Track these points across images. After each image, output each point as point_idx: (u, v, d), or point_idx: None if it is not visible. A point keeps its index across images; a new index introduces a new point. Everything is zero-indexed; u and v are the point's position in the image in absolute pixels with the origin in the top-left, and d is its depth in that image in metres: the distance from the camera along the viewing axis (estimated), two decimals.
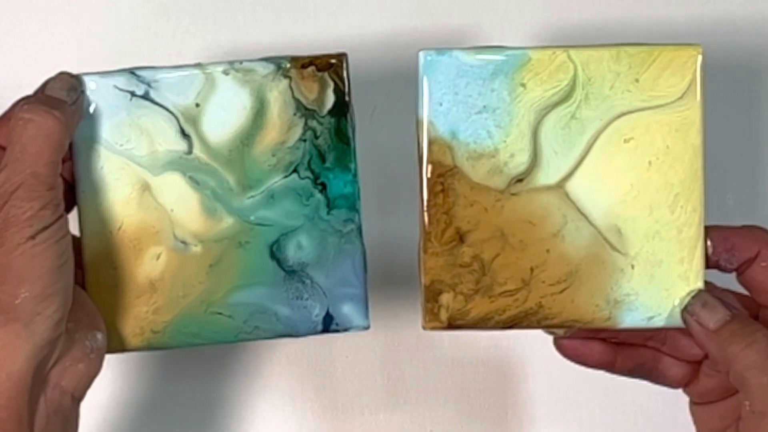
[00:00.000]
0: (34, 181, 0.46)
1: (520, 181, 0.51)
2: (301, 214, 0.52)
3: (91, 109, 0.51)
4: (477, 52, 0.51)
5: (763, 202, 0.68)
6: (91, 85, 0.51)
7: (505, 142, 0.51)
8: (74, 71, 0.51)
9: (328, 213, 0.52)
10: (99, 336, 0.50)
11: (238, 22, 0.68)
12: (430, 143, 0.51)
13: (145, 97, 0.51)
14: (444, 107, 0.51)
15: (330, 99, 0.52)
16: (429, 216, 0.51)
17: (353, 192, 0.52)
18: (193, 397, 0.69)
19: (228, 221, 0.52)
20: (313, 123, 0.52)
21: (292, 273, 0.52)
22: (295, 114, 0.52)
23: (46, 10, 0.67)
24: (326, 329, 0.53)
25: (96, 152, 0.51)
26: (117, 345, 0.52)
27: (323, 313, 0.53)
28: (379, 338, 0.68)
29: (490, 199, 0.51)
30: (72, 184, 0.52)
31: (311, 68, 0.52)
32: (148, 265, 0.52)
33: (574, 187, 0.51)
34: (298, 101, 0.52)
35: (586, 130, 0.51)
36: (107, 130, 0.51)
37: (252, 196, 0.52)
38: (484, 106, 0.51)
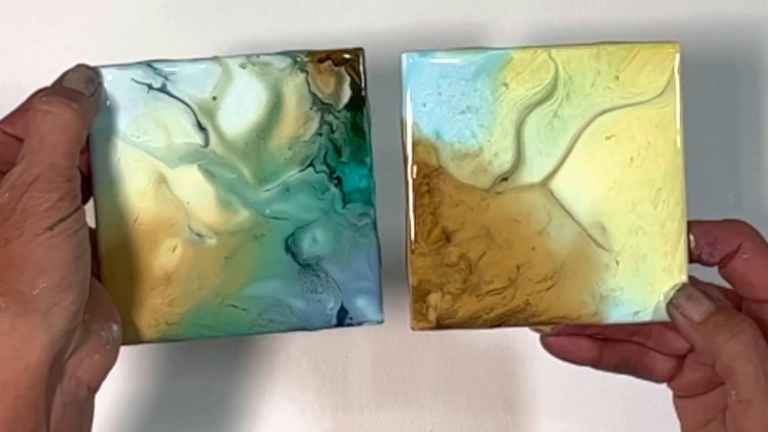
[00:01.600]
0: (52, 172, 0.47)
1: (504, 179, 0.52)
2: (316, 208, 0.53)
3: (108, 102, 0.52)
4: (459, 53, 0.52)
5: (747, 197, 0.69)
6: (108, 77, 0.51)
7: (489, 141, 0.52)
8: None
9: (343, 207, 0.53)
10: (115, 327, 0.51)
11: (249, 18, 0.69)
12: (414, 144, 0.52)
13: (162, 89, 0.52)
14: (428, 108, 0.52)
15: (346, 93, 0.52)
16: (415, 216, 0.52)
17: (368, 186, 0.53)
18: (194, 395, 0.70)
19: (243, 214, 0.53)
20: (330, 117, 0.52)
21: (307, 266, 0.53)
22: (311, 108, 0.52)
23: (53, 7, 0.68)
24: (340, 323, 0.53)
25: (113, 144, 0.52)
26: (132, 337, 0.53)
27: (338, 307, 0.53)
28: (379, 337, 0.69)
29: (475, 198, 0.52)
30: (89, 176, 0.53)
31: (328, 62, 0.52)
32: (164, 257, 0.53)
33: (558, 184, 0.52)
34: (314, 95, 0.52)
35: (569, 128, 0.52)
36: (124, 123, 0.52)
37: (268, 189, 0.53)
38: (468, 106, 0.52)
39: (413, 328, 0.53)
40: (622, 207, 0.52)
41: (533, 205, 0.52)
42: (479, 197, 0.52)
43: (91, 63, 0.52)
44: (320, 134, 0.53)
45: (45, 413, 0.47)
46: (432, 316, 0.53)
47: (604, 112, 0.52)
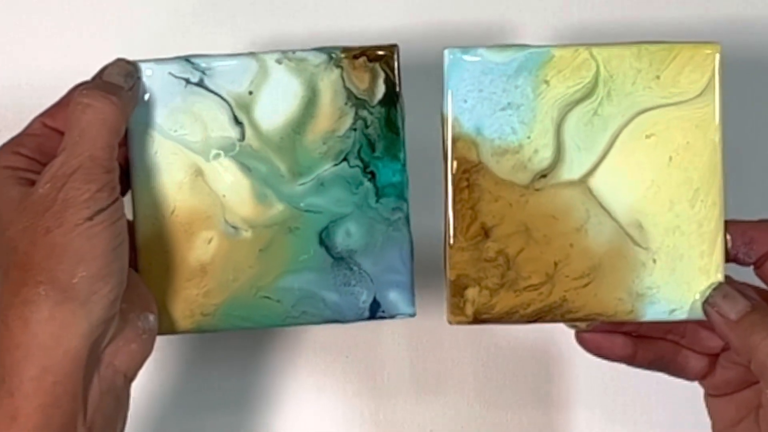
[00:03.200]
0: (91, 164, 0.48)
1: (543, 176, 0.53)
2: (350, 202, 0.54)
3: (146, 96, 0.53)
4: (501, 50, 0.52)
5: None
6: (147, 71, 0.53)
7: (529, 138, 0.53)
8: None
9: (376, 201, 0.54)
10: (151, 318, 0.52)
11: (281, 15, 0.70)
12: (455, 140, 0.53)
13: (200, 84, 0.53)
14: (469, 104, 0.53)
15: (381, 89, 0.54)
16: (454, 211, 0.53)
17: (402, 181, 0.54)
18: (222, 384, 0.70)
19: (278, 207, 0.54)
20: (364, 112, 0.54)
21: (340, 259, 0.54)
22: (346, 103, 0.54)
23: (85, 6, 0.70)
24: (373, 316, 0.54)
25: (150, 137, 0.53)
26: (168, 327, 0.54)
27: (370, 300, 0.54)
28: (411, 327, 0.71)
29: (514, 194, 0.53)
30: (127, 168, 0.54)
31: (363, 59, 0.53)
32: (200, 249, 0.54)
33: (596, 182, 0.53)
34: (349, 91, 0.54)
35: (609, 126, 0.53)
36: (162, 116, 0.53)
37: (302, 183, 0.54)
38: (509, 103, 0.52)
39: (450, 322, 0.54)
40: (660, 206, 0.53)
41: (572, 203, 0.53)
42: (518, 193, 0.53)
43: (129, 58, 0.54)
44: (354, 129, 0.54)
45: (83, 400, 0.48)
46: (469, 310, 0.54)
47: (644, 111, 0.52)
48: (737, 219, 0.54)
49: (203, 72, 0.53)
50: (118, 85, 0.51)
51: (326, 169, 0.54)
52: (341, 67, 0.53)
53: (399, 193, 0.54)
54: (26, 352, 0.47)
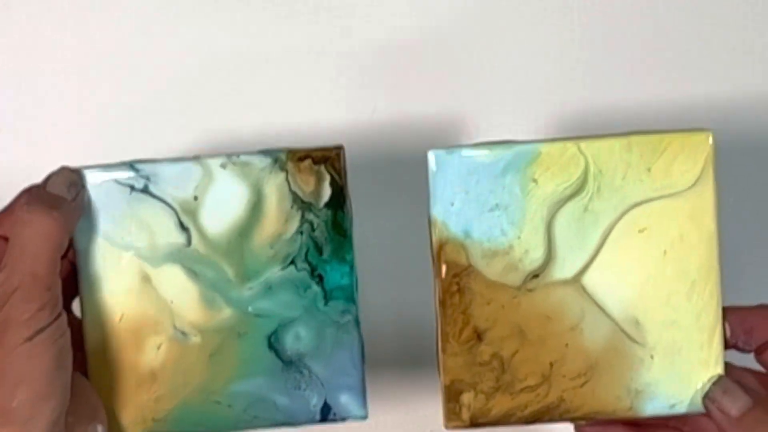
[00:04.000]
0: (32, 281, 0.47)
1: (536, 276, 0.52)
2: (299, 305, 0.54)
3: (92, 202, 0.53)
4: (487, 148, 0.52)
5: None
6: (91, 179, 0.53)
7: (519, 238, 0.52)
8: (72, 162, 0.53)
9: (325, 304, 0.54)
10: (99, 429, 0.51)
11: (223, 112, 0.69)
12: (443, 243, 0.52)
13: (145, 190, 0.53)
14: (456, 207, 0.52)
15: (327, 192, 0.53)
16: (445, 316, 0.52)
17: (350, 284, 0.53)
18: None
19: (227, 312, 0.54)
20: (310, 216, 0.53)
21: (290, 363, 0.54)
22: (292, 207, 0.53)
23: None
24: (324, 419, 0.54)
25: (97, 244, 0.53)
26: None
27: (321, 403, 0.54)
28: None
29: (506, 296, 0.52)
30: (73, 273, 0.54)
31: (308, 161, 0.53)
32: (149, 355, 0.54)
33: (590, 280, 0.52)
34: (294, 194, 0.53)
35: (600, 222, 0.52)
36: (108, 223, 0.53)
37: (250, 287, 0.53)
38: (497, 204, 0.52)
39: (446, 428, 0.53)
40: (656, 301, 0.52)
41: (565, 302, 0.52)
42: (510, 295, 0.52)
43: (72, 158, 0.53)
44: (301, 233, 0.53)
45: None
46: (465, 415, 0.53)
47: (636, 205, 0.52)
48: (735, 306, 0.54)
49: (147, 178, 0.53)
50: (62, 198, 0.50)
51: (274, 272, 0.53)
52: (286, 171, 0.53)
53: (348, 296, 0.53)
54: None
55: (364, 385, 0.54)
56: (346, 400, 0.54)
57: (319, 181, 0.53)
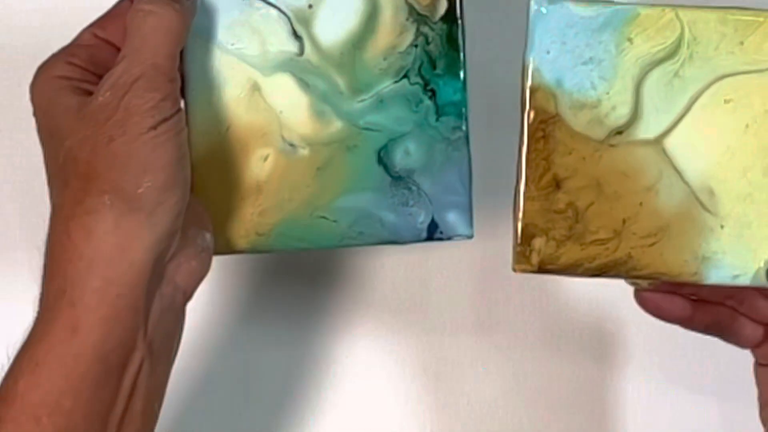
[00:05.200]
0: (155, 72, 0.47)
1: (619, 133, 0.53)
2: (410, 120, 0.53)
3: (204, 6, 0.52)
4: (588, 4, 0.52)
5: None
6: None
7: (608, 94, 0.52)
8: None
9: (437, 120, 0.53)
10: (208, 236, 0.51)
11: None
12: (534, 90, 0.52)
13: None
14: (551, 55, 0.52)
15: (443, 5, 0.52)
16: (528, 161, 0.53)
17: (462, 99, 0.53)
18: (286, 307, 0.70)
19: (337, 125, 0.53)
20: (425, 29, 0.53)
21: (399, 179, 0.54)
22: (407, 19, 0.53)
23: None
24: (430, 237, 0.54)
25: (207, 50, 0.52)
26: (223, 246, 0.53)
27: (428, 221, 0.54)
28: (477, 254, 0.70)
29: (588, 148, 0.53)
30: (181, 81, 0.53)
31: None
32: (255, 167, 0.53)
33: (672, 143, 0.53)
34: (410, 6, 0.52)
35: (688, 88, 0.52)
36: (219, 29, 0.52)
37: (362, 100, 0.53)
38: (591, 58, 0.52)
39: (515, 270, 0.54)
40: (733, 173, 0.53)
41: (645, 162, 0.53)
42: (592, 148, 0.53)
43: None
44: (416, 46, 0.53)
45: (144, 315, 0.47)
46: (535, 259, 0.54)
47: (725, 76, 0.52)
48: None
49: None
50: None
51: (386, 86, 0.53)
52: None
53: (459, 112, 0.53)
54: (90, 263, 0.46)
55: (471, 204, 0.54)
56: (453, 219, 0.54)
57: None
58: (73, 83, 0.49)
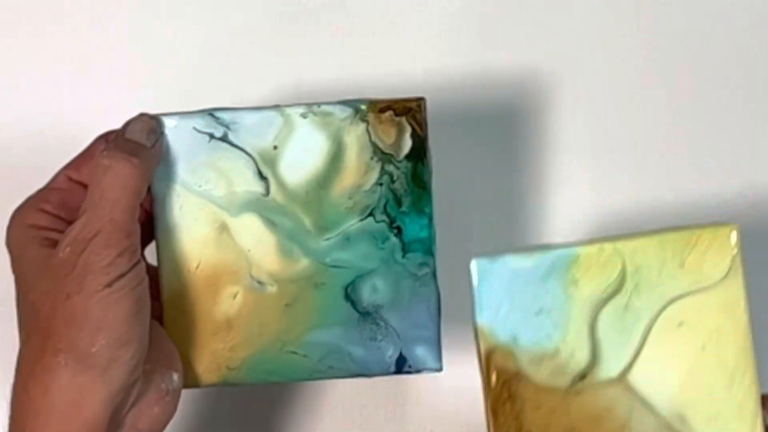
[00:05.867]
0: (112, 228, 0.48)
1: (582, 378, 0.51)
2: (376, 257, 0.53)
3: (170, 150, 0.53)
4: (528, 255, 0.51)
5: None
6: (170, 125, 0.53)
7: (564, 341, 0.51)
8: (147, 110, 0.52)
9: (403, 256, 0.54)
10: (175, 377, 0.52)
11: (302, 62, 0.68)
12: (491, 351, 0.51)
13: (224, 139, 0.53)
14: (502, 313, 0.51)
15: (407, 144, 0.53)
16: (498, 425, 0.52)
17: (429, 236, 0.53)
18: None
19: (304, 262, 0.54)
20: (390, 167, 0.53)
21: (367, 315, 0.54)
22: (372, 158, 0.53)
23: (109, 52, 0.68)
24: (399, 370, 0.54)
25: (175, 192, 0.53)
26: (192, 380, 0.54)
27: (396, 355, 0.54)
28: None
29: (556, 399, 0.51)
30: (149, 221, 0.54)
31: (389, 113, 0.53)
32: (225, 304, 0.54)
33: (635, 378, 0.52)
34: (375, 145, 0.53)
35: (641, 319, 0.52)
36: (186, 171, 0.53)
37: (328, 238, 0.53)
38: (541, 308, 0.51)
39: None
40: (700, 394, 0.52)
41: (613, 401, 0.52)
42: (560, 398, 0.52)
43: (147, 109, 0.53)
44: (381, 184, 0.53)
45: None
46: None
47: (673, 300, 0.52)
48: None
49: (227, 127, 0.53)
50: (141, 144, 0.50)
51: (352, 224, 0.53)
52: (367, 121, 0.53)
53: (426, 249, 0.53)
54: (46, 419, 0.47)
55: (440, 338, 0.54)
56: (421, 353, 0.54)
57: (400, 132, 0.53)
58: (42, 233, 0.50)
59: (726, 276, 0.52)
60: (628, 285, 0.52)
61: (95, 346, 0.47)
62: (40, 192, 0.52)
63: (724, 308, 0.52)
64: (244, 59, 0.67)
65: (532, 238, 0.67)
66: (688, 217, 0.67)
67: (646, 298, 0.52)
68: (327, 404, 0.69)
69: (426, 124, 0.53)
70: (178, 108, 0.54)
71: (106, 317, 0.48)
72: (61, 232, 0.50)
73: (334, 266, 0.53)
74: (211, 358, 0.54)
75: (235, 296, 0.54)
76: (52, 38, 0.67)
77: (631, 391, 0.52)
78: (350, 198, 0.53)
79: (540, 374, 0.52)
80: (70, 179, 0.52)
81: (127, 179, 0.49)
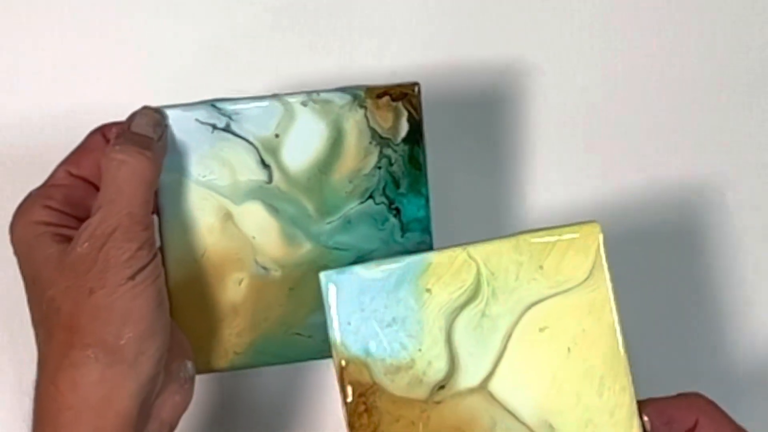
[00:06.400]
0: (130, 222, 0.48)
1: (441, 387, 0.50)
2: (376, 238, 0.55)
3: (174, 142, 0.53)
4: (376, 265, 0.50)
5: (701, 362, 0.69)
6: (173, 118, 0.53)
7: (420, 351, 0.50)
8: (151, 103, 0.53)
9: (402, 236, 0.55)
10: (189, 365, 0.52)
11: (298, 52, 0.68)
12: (346, 364, 0.50)
13: (227, 129, 0.53)
14: (353, 326, 0.50)
15: (404, 127, 0.54)
16: None
17: (426, 216, 0.55)
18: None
19: (307, 247, 0.55)
20: (388, 150, 0.55)
21: None
22: (370, 142, 0.55)
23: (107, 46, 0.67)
24: None
25: (179, 183, 0.53)
26: (203, 367, 0.54)
27: None
28: None
29: (414, 411, 0.50)
30: (156, 213, 0.55)
31: (386, 98, 0.54)
32: (231, 290, 0.55)
33: (497, 386, 0.50)
34: (373, 130, 0.54)
35: (499, 326, 0.50)
36: (190, 162, 0.53)
37: (330, 222, 0.55)
38: (393, 318, 0.50)
39: None
40: (567, 401, 0.50)
41: (475, 411, 0.50)
42: (419, 409, 0.50)
43: (150, 102, 0.53)
44: (379, 167, 0.55)
45: None
46: None
47: (532, 304, 0.50)
48: (653, 398, 0.51)
49: (229, 117, 0.53)
50: (149, 137, 0.51)
51: (352, 207, 0.55)
52: (365, 107, 0.54)
53: (424, 228, 0.55)
54: (78, 414, 0.47)
55: None
56: None
57: (397, 117, 0.54)
58: (52, 229, 0.50)
59: (589, 277, 0.50)
60: (484, 291, 0.50)
61: (123, 339, 0.48)
62: (42, 189, 0.52)
63: (590, 310, 0.50)
64: (244, 57, 0.67)
65: (515, 220, 0.68)
66: (671, 205, 0.67)
67: (504, 303, 0.50)
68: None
69: (421, 107, 0.54)
70: (174, 100, 0.54)
71: (131, 310, 0.48)
72: (70, 227, 0.50)
73: (336, 249, 0.55)
74: (219, 344, 0.55)
75: (240, 283, 0.55)
76: (52, 38, 0.66)
77: (493, 399, 0.50)
78: (350, 182, 0.54)
79: (397, 386, 0.50)
80: (71, 174, 0.52)
81: (143, 173, 0.49)
